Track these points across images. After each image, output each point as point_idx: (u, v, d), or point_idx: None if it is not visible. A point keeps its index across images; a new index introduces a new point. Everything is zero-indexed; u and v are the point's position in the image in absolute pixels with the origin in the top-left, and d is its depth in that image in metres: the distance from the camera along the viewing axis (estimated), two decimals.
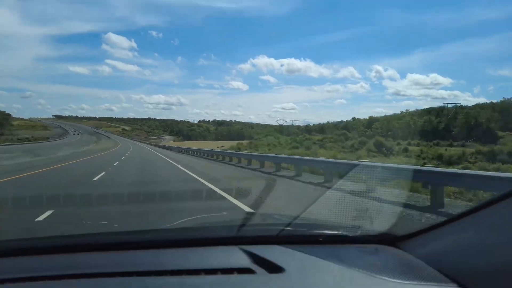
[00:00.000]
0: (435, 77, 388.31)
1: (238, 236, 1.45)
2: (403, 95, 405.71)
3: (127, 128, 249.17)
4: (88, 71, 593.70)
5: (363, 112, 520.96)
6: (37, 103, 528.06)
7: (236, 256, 1.29)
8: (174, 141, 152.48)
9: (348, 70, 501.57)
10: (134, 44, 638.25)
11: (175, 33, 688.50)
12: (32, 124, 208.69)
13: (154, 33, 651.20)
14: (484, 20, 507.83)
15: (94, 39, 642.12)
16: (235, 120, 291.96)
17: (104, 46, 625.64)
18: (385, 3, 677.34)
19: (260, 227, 1.80)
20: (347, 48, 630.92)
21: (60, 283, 1.11)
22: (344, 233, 1.49)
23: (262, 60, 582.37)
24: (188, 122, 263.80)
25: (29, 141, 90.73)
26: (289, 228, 1.50)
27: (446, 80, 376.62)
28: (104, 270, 1.19)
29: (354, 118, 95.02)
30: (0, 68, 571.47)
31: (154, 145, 72.66)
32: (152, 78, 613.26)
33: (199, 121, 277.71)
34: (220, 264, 1.21)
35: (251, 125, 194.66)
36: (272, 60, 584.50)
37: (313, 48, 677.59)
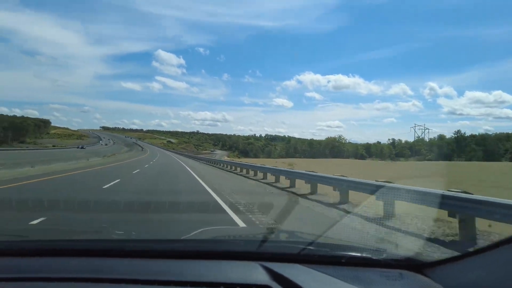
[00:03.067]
0: (499, 94, 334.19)
1: (259, 251, 1.45)
2: (460, 114, 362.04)
3: (173, 140, 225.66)
4: (140, 88, 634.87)
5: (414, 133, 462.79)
6: (93, 117, 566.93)
7: (256, 272, 1.28)
8: (228, 156, 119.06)
9: (399, 87, 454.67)
10: (182, 61, 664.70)
11: (221, 52, 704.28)
12: (69, 133, 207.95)
13: (201, 49, 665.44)
14: None
15: (146, 57, 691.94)
16: (288, 136, 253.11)
17: (154, 63, 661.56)
18: (438, 18, 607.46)
19: (281, 244, 1.75)
20: (399, 64, 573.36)
21: (81, 286, 1.18)
22: (368, 255, 1.43)
23: (308, 77, 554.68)
24: (243, 136, 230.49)
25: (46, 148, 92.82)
26: (311, 247, 1.48)
27: None
28: (128, 277, 1.22)
29: None
30: (64, 85, 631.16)
31: (210, 165, 41.48)
32: (200, 96, 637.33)
33: (248, 136, 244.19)
34: (239, 279, 1.22)
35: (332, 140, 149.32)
36: (318, 76, 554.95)
37: (362, 64, 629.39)
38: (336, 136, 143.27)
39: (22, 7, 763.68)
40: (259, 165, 21.43)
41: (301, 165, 37.51)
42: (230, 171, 26.18)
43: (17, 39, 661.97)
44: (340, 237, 2.05)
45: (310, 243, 1.52)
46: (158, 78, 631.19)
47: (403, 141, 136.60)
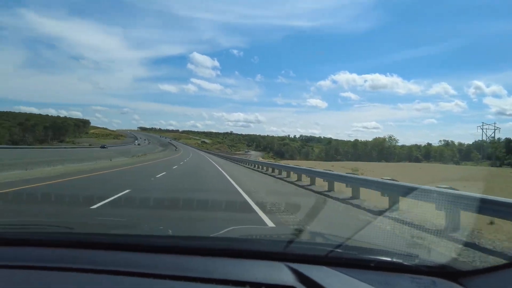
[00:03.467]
0: None
1: (285, 252, 1.44)
2: (510, 114, 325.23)
3: (207, 141, 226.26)
4: (176, 90, 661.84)
5: (457, 134, 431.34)
6: (132, 118, 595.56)
7: (282, 273, 1.28)
8: (262, 157, 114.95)
9: (441, 87, 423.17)
10: (216, 63, 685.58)
11: (255, 53, 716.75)
12: (107, 133, 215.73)
13: (235, 51, 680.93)
14: None
15: (181, 60, 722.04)
16: (323, 137, 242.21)
17: (190, 66, 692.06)
18: (484, 12, 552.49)
19: (308, 245, 1.70)
20: (440, 63, 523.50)
21: (112, 279, 1.21)
22: (399, 260, 1.38)
23: (344, 76, 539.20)
24: (277, 136, 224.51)
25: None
26: (338, 250, 1.45)
27: None
28: (156, 272, 1.24)
29: None
30: (106, 88, 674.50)
31: (245, 166, 35.88)
32: (233, 97, 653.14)
33: (283, 137, 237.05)
34: (265, 279, 1.21)
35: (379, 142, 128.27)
36: (354, 75, 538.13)
37: (400, 63, 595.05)
38: (386, 137, 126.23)
39: (70, 16, 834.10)
40: (306, 168, 17.04)
41: (374, 170, 30.89)
42: (266, 174, 22.08)
43: (64, 45, 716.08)
44: (370, 240, 1.95)
45: (338, 246, 1.48)
46: (193, 80, 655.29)
47: (456, 143, 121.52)
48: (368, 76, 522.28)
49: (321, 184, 13.50)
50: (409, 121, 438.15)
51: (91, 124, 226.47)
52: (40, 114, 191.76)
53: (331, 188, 12.12)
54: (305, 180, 15.49)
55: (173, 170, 21.10)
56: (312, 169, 15.86)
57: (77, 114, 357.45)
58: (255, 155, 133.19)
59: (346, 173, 13.14)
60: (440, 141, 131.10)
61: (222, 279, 1.19)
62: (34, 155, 36.42)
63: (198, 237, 1.75)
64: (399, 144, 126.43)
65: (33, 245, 1.50)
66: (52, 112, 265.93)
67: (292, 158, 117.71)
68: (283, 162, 36.57)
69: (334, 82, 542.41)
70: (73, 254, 1.42)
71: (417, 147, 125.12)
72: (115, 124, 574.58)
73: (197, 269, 1.28)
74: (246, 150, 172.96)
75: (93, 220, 3.90)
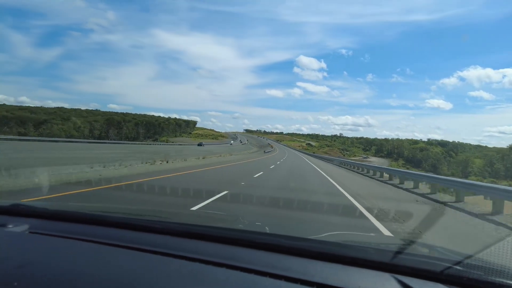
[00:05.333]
0: None
1: (392, 263, 1.30)
2: None
3: (313, 143, 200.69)
4: (282, 94, 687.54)
5: None
6: (242, 122, 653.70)
7: (389, 285, 1.18)
8: (390, 166, 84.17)
9: None
10: (323, 65, 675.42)
11: (365, 51, 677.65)
12: (208, 133, 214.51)
13: (343, 51, 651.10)
14: None
15: (288, 65, 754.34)
16: (458, 141, 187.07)
17: (296, 69, 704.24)
18: None
19: (420, 258, 1.45)
20: None
21: (214, 270, 1.23)
22: None
23: (474, 72, 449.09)
24: (409, 139, 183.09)
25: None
26: (458, 267, 1.24)
27: None
28: (255, 268, 1.23)
29: None
30: (220, 95, 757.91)
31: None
32: (340, 99, 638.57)
33: (416, 140, 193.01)
34: None
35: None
36: (488, 71, 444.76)
37: None
38: None
39: (191, 31, 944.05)
40: None
41: None
42: None
43: (185, 58, 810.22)
44: (500, 261, 1.54)
45: (458, 262, 1.27)
46: (299, 83, 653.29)
47: None
48: (508, 71, 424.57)
49: None
50: None
51: (203, 126, 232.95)
52: (152, 115, 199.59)
53: None
54: None
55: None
56: None
57: (195, 118, 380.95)
58: (377, 162, 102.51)
59: None
60: None
61: (323, 283, 1.12)
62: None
63: (302, 238, 1.65)
64: None
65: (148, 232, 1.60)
66: (175, 116, 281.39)
67: (435, 169, 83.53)
68: None
69: (461, 79, 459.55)
70: (178, 242, 1.49)
71: None
72: (227, 127, 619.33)
73: (297, 270, 1.22)
74: (364, 156, 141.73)
75: (194, 213, 4.24)
